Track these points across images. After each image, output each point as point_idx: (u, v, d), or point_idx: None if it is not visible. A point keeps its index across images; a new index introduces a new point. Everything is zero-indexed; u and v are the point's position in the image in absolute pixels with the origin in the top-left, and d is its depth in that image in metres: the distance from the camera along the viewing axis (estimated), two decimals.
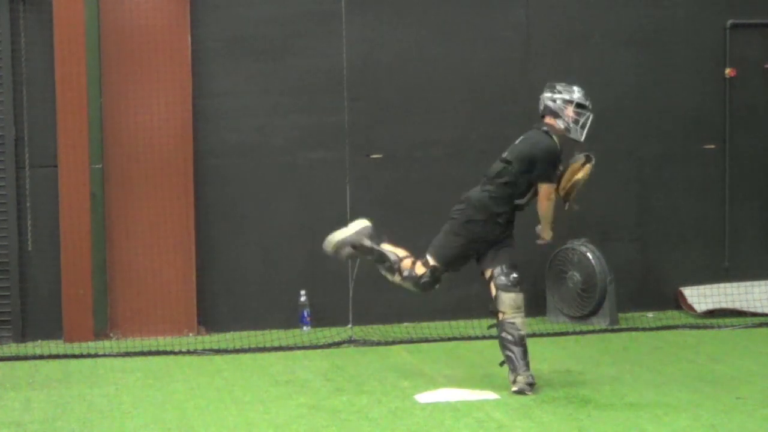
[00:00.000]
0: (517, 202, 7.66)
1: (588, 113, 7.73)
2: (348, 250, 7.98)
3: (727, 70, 10.77)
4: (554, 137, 7.63)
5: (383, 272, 7.87)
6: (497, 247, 7.62)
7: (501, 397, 7.34)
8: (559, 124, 7.68)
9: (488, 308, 7.64)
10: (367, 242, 7.90)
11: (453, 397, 7.35)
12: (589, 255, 10.10)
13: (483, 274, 7.70)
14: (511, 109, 10.50)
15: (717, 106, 10.84)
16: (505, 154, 7.70)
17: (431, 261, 7.68)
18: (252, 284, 10.17)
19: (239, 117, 10.12)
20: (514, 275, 7.52)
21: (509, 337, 7.48)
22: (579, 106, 7.71)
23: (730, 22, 10.77)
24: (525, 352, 7.50)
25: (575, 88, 7.77)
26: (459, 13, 10.43)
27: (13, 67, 9.72)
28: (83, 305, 9.69)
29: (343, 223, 10.06)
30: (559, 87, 7.76)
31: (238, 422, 6.85)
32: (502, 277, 7.51)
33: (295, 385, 7.90)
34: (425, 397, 7.40)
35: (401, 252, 7.83)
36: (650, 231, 10.80)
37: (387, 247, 7.86)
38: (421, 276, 7.68)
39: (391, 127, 10.35)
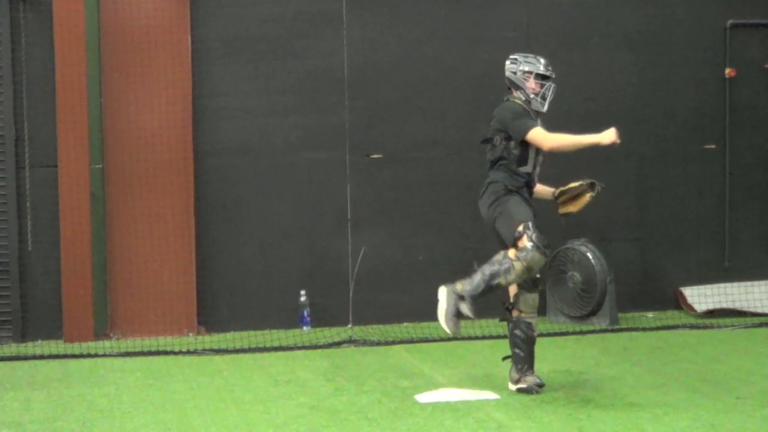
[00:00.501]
0: (523, 170, 7.51)
1: (550, 83, 7.59)
2: (457, 319, 7.44)
3: (727, 70, 10.77)
4: (517, 101, 7.57)
5: (502, 283, 7.32)
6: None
7: (501, 397, 7.34)
8: (520, 95, 7.61)
9: (503, 304, 7.59)
10: (464, 306, 7.40)
11: (453, 397, 7.35)
12: (589, 255, 10.10)
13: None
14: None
15: (717, 106, 10.84)
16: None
17: (520, 229, 7.28)
18: (252, 284, 10.17)
19: (239, 117, 10.12)
20: (538, 276, 7.49)
21: (522, 335, 7.47)
22: (540, 77, 7.59)
23: (730, 22, 10.78)
24: (533, 354, 7.51)
25: (537, 59, 7.65)
26: (459, 13, 10.43)
27: (13, 67, 9.72)
28: (83, 305, 9.69)
29: (343, 223, 10.12)
30: (520, 58, 7.65)
31: (238, 422, 6.85)
32: (534, 235, 7.32)
33: (295, 385, 7.90)
34: (425, 397, 7.40)
35: (494, 263, 7.38)
36: (650, 231, 10.80)
37: (478, 279, 7.38)
38: (528, 246, 7.20)
39: (391, 127, 10.36)
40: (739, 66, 10.81)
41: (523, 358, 7.47)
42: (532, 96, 7.57)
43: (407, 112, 10.38)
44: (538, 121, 7.56)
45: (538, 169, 7.63)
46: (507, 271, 7.27)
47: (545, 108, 7.58)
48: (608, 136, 7.34)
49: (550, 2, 10.59)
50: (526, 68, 7.59)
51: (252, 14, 10.11)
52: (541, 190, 7.77)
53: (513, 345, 7.52)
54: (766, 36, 10.92)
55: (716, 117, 10.85)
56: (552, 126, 7.48)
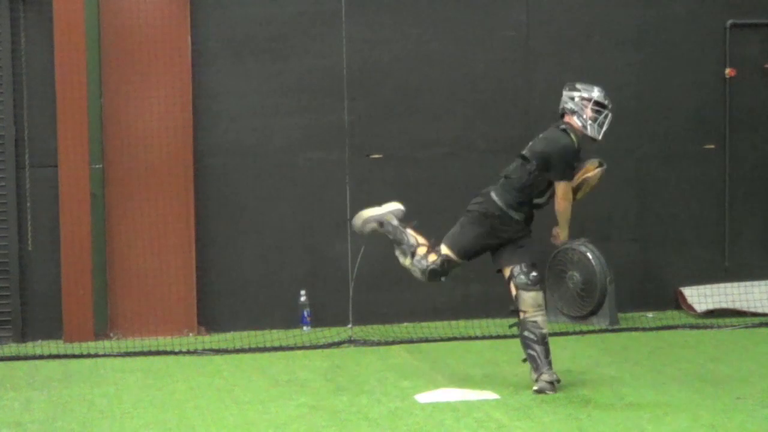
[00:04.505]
0: (536, 201, 7.64)
1: (606, 112, 7.71)
2: (373, 225, 8.05)
3: (727, 70, 10.77)
4: (572, 136, 7.61)
5: (397, 253, 7.92)
6: (515, 245, 7.60)
7: (501, 397, 7.34)
8: (577, 122, 7.67)
9: (509, 308, 7.64)
10: (394, 222, 7.99)
11: (453, 397, 7.35)
12: (589, 255, 10.10)
13: (501, 272, 7.69)
14: (511, 109, 10.50)
15: (717, 106, 10.84)
16: (524, 152, 7.70)
17: (445, 251, 7.71)
18: (252, 284, 10.17)
19: (239, 117, 10.12)
20: (534, 273, 7.52)
21: (532, 336, 7.48)
22: (597, 104, 7.69)
23: (730, 22, 10.77)
24: (547, 351, 7.51)
25: (595, 87, 7.77)
26: (459, 13, 10.43)
27: (13, 67, 9.72)
28: (83, 305, 9.69)
29: (343, 223, 10.11)
30: (578, 85, 7.77)
31: (238, 422, 6.85)
32: (522, 276, 7.50)
33: (295, 385, 7.90)
34: (425, 397, 7.39)
35: (421, 239, 7.88)
36: (650, 231, 10.79)
37: (410, 232, 7.93)
38: (431, 263, 7.72)
39: (391, 127, 10.36)
40: (739, 66, 10.80)
41: (538, 358, 7.47)
42: (589, 123, 7.67)
43: (407, 112, 10.38)
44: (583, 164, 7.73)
45: (547, 203, 7.76)
46: (403, 251, 7.87)
47: (601, 136, 7.71)
48: (564, 235, 7.74)
49: (550, 2, 10.58)
50: (585, 95, 7.71)
51: (252, 14, 10.11)
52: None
53: (525, 347, 7.53)
54: (766, 36, 10.91)
55: (716, 117, 10.85)
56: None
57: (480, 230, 7.64)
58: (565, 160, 7.55)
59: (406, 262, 7.87)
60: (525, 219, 7.66)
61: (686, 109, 10.81)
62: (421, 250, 7.80)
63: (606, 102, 7.72)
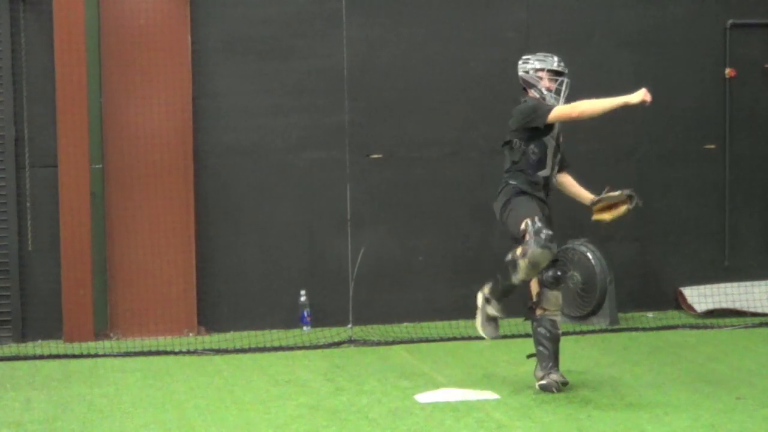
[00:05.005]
0: (541, 173, 7.53)
1: (562, 79, 7.64)
2: (489, 311, 7.63)
3: (727, 70, 10.77)
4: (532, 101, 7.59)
5: (514, 280, 7.32)
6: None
7: (501, 397, 7.34)
8: (535, 93, 7.66)
9: (526, 304, 7.60)
10: (491, 302, 7.56)
11: (453, 397, 7.35)
12: (589, 255, 10.10)
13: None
14: (511, 109, 10.45)
15: (717, 106, 10.84)
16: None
17: (522, 225, 7.28)
18: (252, 284, 10.17)
19: (239, 117, 10.12)
20: (558, 273, 7.51)
21: (547, 333, 7.47)
22: (552, 72, 7.65)
23: (730, 22, 10.78)
24: (558, 352, 7.50)
25: (548, 56, 7.71)
26: (459, 13, 10.43)
27: (13, 67, 9.72)
28: (83, 305, 9.69)
29: (343, 223, 10.11)
30: (531, 57, 7.72)
31: (238, 422, 6.85)
32: (550, 275, 7.46)
33: (295, 385, 7.90)
34: (425, 397, 7.39)
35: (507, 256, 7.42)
36: (650, 231, 10.79)
37: (494, 286, 7.53)
38: (531, 235, 7.14)
39: (391, 127, 10.36)
40: (739, 66, 10.80)
41: (548, 356, 7.45)
42: (546, 93, 7.61)
43: (407, 112, 10.38)
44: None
45: (555, 169, 7.64)
46: (514, 268, 7.25)
47: (561, 103, 7.59)
48: (638, 96, 7.39)
49: (550, 2, 10.58)
50: (538, 65, 7.65)
51: (252, 14, 10.11)
52: (579, 192, 7.81)
53: (537, 343, 7.51)
54: (766, 36, 10.92)
55: (716, 117, 10.85)
56: (555, 124, 7.52)
57: (527, 197, 7.45)
58: (532, 108, 7.47)
59: (519, 275, 7.25)
60: (544, 196, 7.56)
61: (686, 109, 10.81)
62: (517, 252, 7.24)
63: (561, 68, 7.65)
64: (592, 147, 10.53)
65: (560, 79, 7.64)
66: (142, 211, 9.88)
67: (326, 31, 10.18)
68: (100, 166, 9.87)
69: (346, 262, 10.06)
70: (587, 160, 10.56)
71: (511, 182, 7.55)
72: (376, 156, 10.34)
